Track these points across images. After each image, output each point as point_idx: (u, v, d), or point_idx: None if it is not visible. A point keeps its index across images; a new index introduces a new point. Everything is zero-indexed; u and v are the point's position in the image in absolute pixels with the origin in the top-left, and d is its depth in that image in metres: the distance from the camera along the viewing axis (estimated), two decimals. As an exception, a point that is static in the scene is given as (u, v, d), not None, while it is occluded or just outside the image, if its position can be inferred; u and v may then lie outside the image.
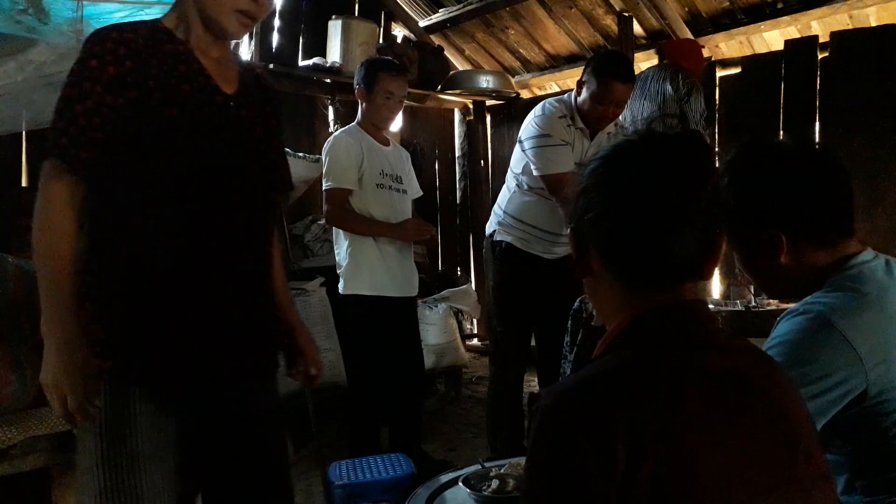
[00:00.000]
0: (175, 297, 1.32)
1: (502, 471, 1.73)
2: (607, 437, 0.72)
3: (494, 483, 1.70)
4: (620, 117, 2.87)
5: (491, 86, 4.89)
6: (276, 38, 4.39)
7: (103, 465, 1.28)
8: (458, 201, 5.56)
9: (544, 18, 4.52)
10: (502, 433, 3.05)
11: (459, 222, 5.55)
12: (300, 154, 3.93)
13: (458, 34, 5.03)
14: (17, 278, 2.43)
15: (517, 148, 2.84)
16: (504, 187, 3.01)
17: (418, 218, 3.05)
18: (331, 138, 2.85)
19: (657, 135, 0.88)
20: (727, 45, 4.07)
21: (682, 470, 0.72)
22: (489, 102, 5.33)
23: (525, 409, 3.18)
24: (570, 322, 2.58)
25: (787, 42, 3.76)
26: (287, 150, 4.07)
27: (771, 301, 3.01)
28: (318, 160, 3.12)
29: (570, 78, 4.73)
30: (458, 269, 5.34)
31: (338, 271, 2.87)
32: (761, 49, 3.97)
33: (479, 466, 1.84)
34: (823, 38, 3.63)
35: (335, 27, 4.29)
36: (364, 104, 2.85)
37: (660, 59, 3.71)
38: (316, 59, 4.23)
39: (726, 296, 3.47)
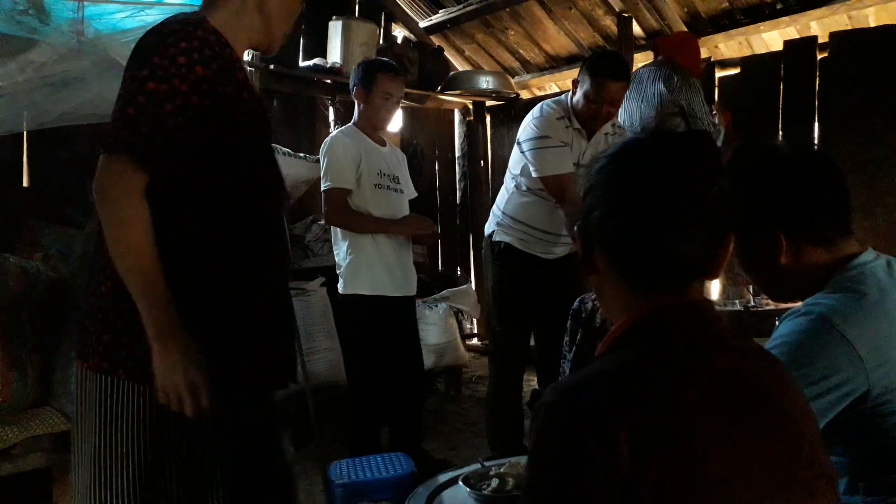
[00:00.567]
0: (237, 299, 1.34)
1: (502, 470, 1.74)
2: (611, 435, 0.71)
3: (494, 482, 1.70)
4: (617, 118, 2.88)
5: (491, 86, 4.89)
6: (276, 39, 4.38)
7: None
8: (458, 201, 5.56)
9: (544, 19, 4.52)
10: (502, 432, 3.05)
11: (459, 222, 5.56)
12: (300, 154, 3.94)
13: (458, 35, 5.04)
14: (17, 277, 2.44)
15: (515, 149, 2.85)
16: (503, 188, 3.02)
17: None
18: (328, 139, 2.85)
19: (665, 133, 0.89)
20: (726, 46, 4.08)
21: (688, 470, 0.72)
22: (489, 103, 5.33)
23: (525, 408, 3.19)
24: (569, 322, 2.59)
25: (786, 42, 3.76)
26: (287, 150, 4.11)
27: (769, 301, 3.01)
28: (319, 161, 3.12)
29: (569, 78, 4.69)
30: (458, 269, 5.34)
31: (337, 271, 2.88)
32: (760, 49, 3.97)
33: (479, 465, 1.84)
34: (822, 39, 3.63)
35: (335, 28, 4.29)
36: (361, 105, 2.85)
37: (654, 56, 3.67)
38: (316, 60, 4.23)
39: (725, 296, 3.48)
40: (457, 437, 3.60)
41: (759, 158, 1.26)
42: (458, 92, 4.91)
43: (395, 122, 4.79)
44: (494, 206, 3.04)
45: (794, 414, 0.83)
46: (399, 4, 4.98)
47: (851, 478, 1.18)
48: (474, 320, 5.27)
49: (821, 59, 3.64)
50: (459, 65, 5.29)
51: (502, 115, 5.32)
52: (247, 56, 3.84)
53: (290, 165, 3.82)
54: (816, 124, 3.66)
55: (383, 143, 2.94)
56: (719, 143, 3.42)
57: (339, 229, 2.84)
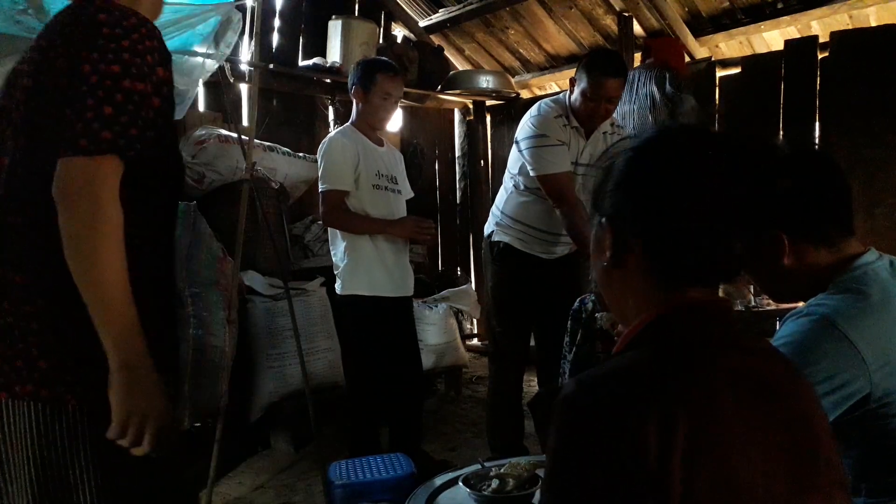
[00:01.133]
0: (166, 307, 1.32)
1: (502, 470, 1.73)
2: (640, 428, 0.70)
3: (494, 483, 1.70)
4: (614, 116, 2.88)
5: (491, 86, 4.89)
6: (275, 38, 4.39)
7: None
8: (458, 201, 5.56)
9: (544, 18, 4.52)
10: (502, 433, 3.05)
11: (459, 222, 5.55)
12: (300, 154, 3.93)
13: (458, 34, 5.03)
14: None
15: (514, 149, 2.84)
16: (502, 188, 3.01)
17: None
18: (326, 140, 2.84)
19: (712, 132, 0.87)
20: (727, 45, 4.07)
21: (714, 469, 0.71)
22: (489, 102, 5.33)
23: (525, 408, 3.18)
24: (569, 322, 2.58)
25: (787, 42, 3.76)
26: (286, 149, 4.11)
27: (770, 301, 3.01)
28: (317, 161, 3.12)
29: (569, 78, 4.72)
30: (458, 269, 5.34)
31: (335, 272, 2.87)
32: (761, 49, 3.97)
33: (479, 466, 1.84)
34: (823, 38, 3.63)
35: (335, 27, 4.29)
36: (360, 104, 2.84)
37: (643, 58, 3.71)
38: (316, 59, 4.23)
39: (726, 296, 3.47)
40: (457, 438, 3.60)
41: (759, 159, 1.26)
42: (458, 91, 4.91)
43: (395, 122, 4.79)
44: (494, 206, 3.04)
45: (812, 418, 0.82)
46: (399, 4, 4.97)
47: (854, 479, 1.18)
48: (474, 320, 5.27)
49: (822, 59, 3.63)
50: (459, 64, 5.29)
51: (502, 114, 5.31)
52: (247, 55, 3.84)
53: (289, 165, 3.82)
54: (817, 124, 3.65)
55: (381, 143, 2.93)
56: None
57: (336, 230, 2.84)
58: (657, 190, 0.83)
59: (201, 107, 3.92)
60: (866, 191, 3.33)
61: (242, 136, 2.98)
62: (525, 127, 2.76)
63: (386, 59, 3.21)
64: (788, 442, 0.77)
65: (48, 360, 1.16)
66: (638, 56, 4.06)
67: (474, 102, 5.33)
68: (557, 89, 5.01)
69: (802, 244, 1.21)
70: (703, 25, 4.01)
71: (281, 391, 3.34)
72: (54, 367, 1.16)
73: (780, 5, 3.70)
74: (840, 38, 3.54)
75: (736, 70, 4.00)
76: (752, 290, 3.17)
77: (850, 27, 3.62)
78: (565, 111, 2.73)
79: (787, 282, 1.25)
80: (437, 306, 4.14)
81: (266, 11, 4.01)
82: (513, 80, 5.07)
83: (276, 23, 4.38)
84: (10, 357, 1.16)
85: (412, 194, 3.10)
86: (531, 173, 2.73)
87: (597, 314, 2.38)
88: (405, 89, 3.51)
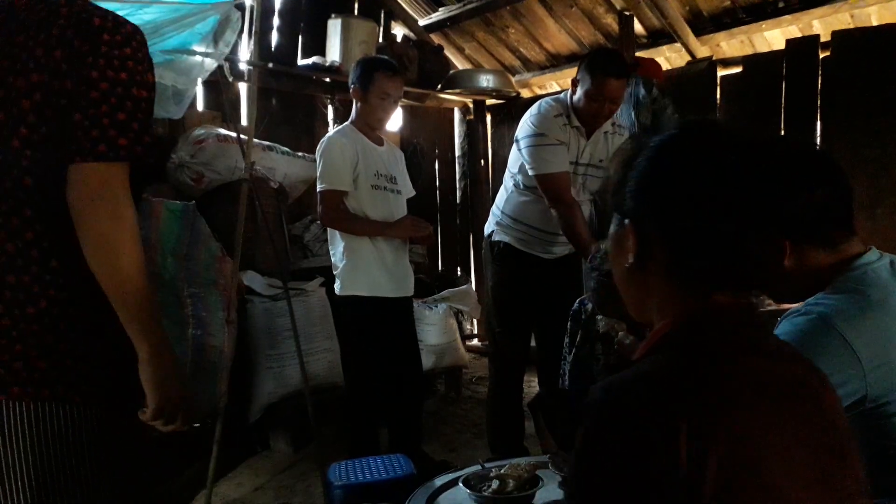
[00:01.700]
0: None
1: (502, 471, 1.73)
2: (672, 431, 0.69)
3: (494, 483, 1.69)
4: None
5: (491, 85, 4.88)
6: (275, 37, 4.38)
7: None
8: (458, 201, 5.55)
9: (545, 17, 4.51)
10: (502, 434, 3.04)
11: (459, 222, 5.54)
12: (299, 153, 3.92)
13: (458, 33, 5.02)
14: None
15: (514, 147, 2.84)
16: (502, 187, 3.01)
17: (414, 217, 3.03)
18: (324, 139, 2.83)
19: (731, 129, 0.85)
20: (728, 45, 4.06)
21: (746, 473, 0.70)
22: (489, 102, 5.32)
23: (525, 409, 3.18)
24: (569, 323, 2.58)
25: (788, 41, 3.75)
26: (286, 149, 4.10)
27: (771, 301, 3.00)
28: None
29: (570, 77, 4.63)
30: (458, 269, 5.33)
31: (334, 272, 2.86)
32: (762, 48, 3.96)
33: (479, 467, 1.84)
34: (825, 38, 3.61)
35: (335, 26, 4.28)
36: (359, 104, 2.83)
37: (632, 69, 3.79)
38: (315, 59, 4.22)
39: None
40: (457, 439, 3.59)
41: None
42: (458, 90, 4.90)
43: (395, 121, 4.79)
44: (494, 206, 3.03)
45: (838, 424, 0.81)
46: (399, 2, 4.97)
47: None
48: (474, 321, 5.26)
49: (823, 58, 3.62)
50: (459, 63, 5.28)
51: (503, 113, 5.30)
52: (246, 54, 3.83)
53: (289, 164, 3.81)
54: (818, 123, 3.64)
55: (381, 142, 2.91)
56: None
57: (335, 230, 2.83)
58: (682, 189, 0.81)
59: (200, 106, 3.91)
60: (868, 191, 3.32)
61: (241, 136, 2.97)
62: (525, 126, 2.75)
63: (385, 57, 3.19)
64: (818, 448, 0.76)
65: (48, 360, 1.18)
66: (639, 55, 4.04)
67: (474, 102, 5.32)
68: (558, 88, 5.00)
69: (804, 246, 1.20)
70: (704, 24, 4.00)
71: (280, 392, 3.33)
72: (54, 366, 1.18)
73: (781, 4, 3.69)
74: (841, 38, 3.53)
75: (737, 69, 3.99)
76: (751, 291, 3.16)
77: (851, 26, 3.61)
78: (566, 110, 2.73)
79: (787, 282, 1.25)
80: (437, 306, 4.13)
81: (265, 10, 4.00)
82: (513, 80, 5.06)
83: (276, 22, 4.38)
84: (7, 360, 1.17)
85: (413, 193, 3.09)
86: (530, 172, 2.72)
87: (598, 316, 2.37)
88: (405, 88, 3.49)
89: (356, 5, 4.78)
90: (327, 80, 4.30)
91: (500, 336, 3.00)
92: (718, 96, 4.04)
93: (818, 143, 3.57)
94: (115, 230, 1.16)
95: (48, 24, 1.18)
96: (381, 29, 4.84)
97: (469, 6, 4.63)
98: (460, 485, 1.72)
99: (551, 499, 1.74)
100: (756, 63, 3.89)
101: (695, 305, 0.81)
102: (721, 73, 4.07)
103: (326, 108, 4.57)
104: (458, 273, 5.18)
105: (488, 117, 5.44)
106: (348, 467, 2.16)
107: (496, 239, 2.94)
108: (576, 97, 2.70)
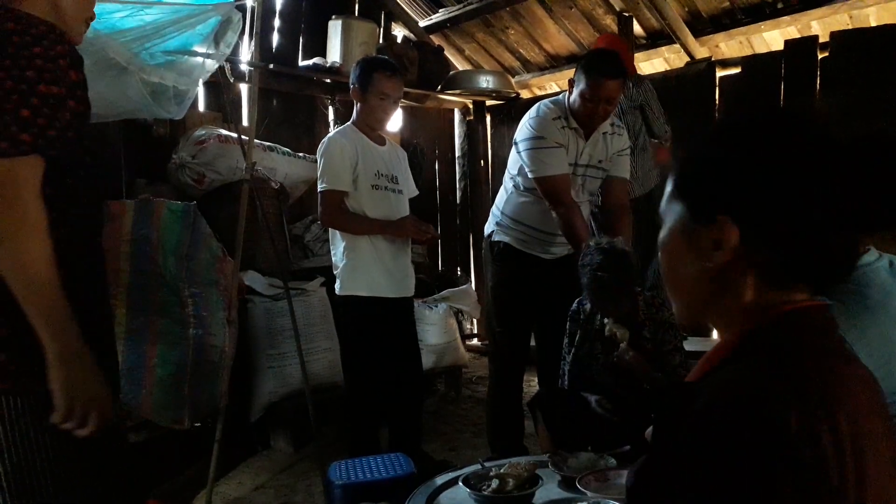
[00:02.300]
0: (99, 302, 1.38)
1: (502, 470, 1.74)
2: (817, 436, 0.66)
3: (494, 483, 1.70)
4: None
5: (491, 86, 4.89)
6: (275, 38, 4.39)
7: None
8: (458, 201, 5.56)
9: (544, 18, 4.52)
10: (502, 433, 3.05)
11: (459, 222, 5.55)
12: (300, 154, 3.93)
13: (458, 34, 5.03)
14: None
15: (513, 149, 2.84)
16: (501, 188, 3.01)
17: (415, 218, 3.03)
18: (325, 140, 2.83)
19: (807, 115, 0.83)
20: (727, 45, 4.07)
21: (861, 472, 0.68)
22: (489, 102, 5.33)
23: (525, 408, 3.18)
24: (568, 323, 2.59)
25: (787, 42, 3.76)
26: (286, 149, 4.10)
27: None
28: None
29: (568, 79, 4.72)
30: (458, 269, 5.34)
31: (334, 272, 2.87)
32: (761, 49, 3.97)
33: (479, 466, 1.84)
34: (823, 38, 3.63)
35: (335, 27, 4.29)
36: (359, 104, 2.83)
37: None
38: (316, 59, 4.23)
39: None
40: (457, 438, 3.60)
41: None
42: (458, 91, 4.91)
43: (395, 122, 4.79)
44: (494, 207, 3.04)
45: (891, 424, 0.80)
46: (399, 4, 4.98)
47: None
48: (474, 320, 5.27)
49: (822, 59, 3.63)
50: (459, 64, 5.29)
51: (502, 114, 5.31)
52: (247, 55, 3.84)
53: (289, 165, 3.82)
54: (817, 124, 3.65)
55: (382, 142, 2.91)
56: (668, 143, 3.76)
57: (336, 230, 2.83)
58: (799, 185, 0.75)
59: (201, 107, 3.92)
60: (867, 191, 3.33)
61: (242, 136, 2.98)
62: (523, 128, 2.76)
63: (384, 58, 3.19)
64: (893, 443, 0.75)
65: (7, 352, 1.21)
66: (638, 56, 4.06)
67: (474, 102, 5.33)
68: (557, 89, 5.01)
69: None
70: (703, 25, 4.01)
71: (281, 391, 3.34)
72: (12, 359, 1.21)
73: (780, 5, 3.70)
74: (840, 38, 3.54)
75: (736, 70, 4.00)
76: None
77: (850, 27, 3.62)
78: (564, 112, 2.73)
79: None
80: (437, 306, 4.14)
81: (266, 11, 4.00)
82: (513, 80, 5.07)
83: (276, 23, 4.39)
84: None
85: (416, 192, 3.09)
86: (529, 175, 2.73)
87: (605, 320, 2.38)
88: (405, 89, 3.50)
89: (357, 6, 4.79)
90: (328, 80, 4.31)
91: (499, 336, 3.00)
92: (717, 97, 4.05)
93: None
94: (15, 231, 1.16)
95: None
96: (382, 30, 4.85)
97: (469, 7, 4.64)
98: (460, 484, 1.73)
99: (551, 498, 1.75)
100: (755, 64, 3.90)
101: (776, 306, 0.77)
102: (720, 73, 4.08)
103: (327, 108, 4.58)
104: (458, 273, 5.19)
105: (488, 118, 5.45)
106: (349, 466, 2.17)
107: (496, 239, 2.95)
108: (572, 98, 2.70)
